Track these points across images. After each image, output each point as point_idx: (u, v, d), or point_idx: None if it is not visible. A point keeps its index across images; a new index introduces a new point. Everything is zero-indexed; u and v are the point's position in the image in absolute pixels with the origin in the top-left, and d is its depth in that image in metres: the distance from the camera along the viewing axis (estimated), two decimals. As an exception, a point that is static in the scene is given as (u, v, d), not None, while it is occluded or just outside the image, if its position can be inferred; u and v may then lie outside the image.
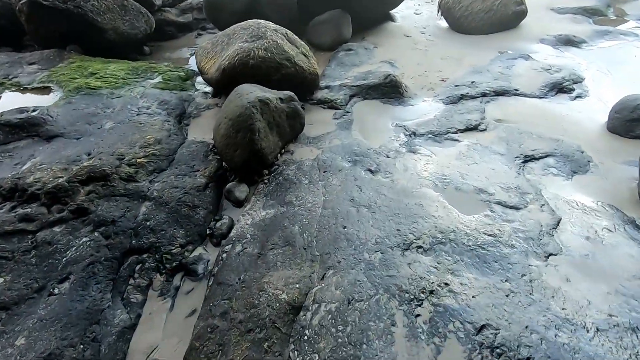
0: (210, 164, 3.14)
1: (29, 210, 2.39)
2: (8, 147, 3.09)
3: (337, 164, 3.09)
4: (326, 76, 4.65)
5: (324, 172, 3.00)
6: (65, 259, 2.21)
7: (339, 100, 4.04)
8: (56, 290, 2.07)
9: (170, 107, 3.87)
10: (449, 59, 5.24)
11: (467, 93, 4.13)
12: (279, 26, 3.99)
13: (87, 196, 2.52)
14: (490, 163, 3.02)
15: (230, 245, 2.42)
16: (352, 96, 4.16)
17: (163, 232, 2.51)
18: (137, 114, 3.65)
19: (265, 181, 3.04)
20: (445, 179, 2.85)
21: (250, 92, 3.17)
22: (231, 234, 2.55)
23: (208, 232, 2.67)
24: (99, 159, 2.78)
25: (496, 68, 4.71)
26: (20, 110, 3.38)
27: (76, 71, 4.36)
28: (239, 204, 2.94)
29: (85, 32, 4.94)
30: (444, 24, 6.58)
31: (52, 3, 4.66)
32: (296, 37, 4.08)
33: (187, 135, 3.63)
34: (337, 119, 3.85)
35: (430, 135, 3.48)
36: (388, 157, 3.18)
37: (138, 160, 2.86)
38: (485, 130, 3.52)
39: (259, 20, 3.98)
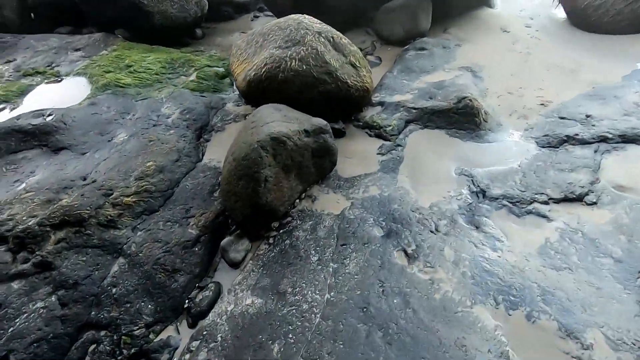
0: (211, 206, 2.60)
1: (-5, 255, 2.11)
2: (17, 157, 2.90)
3: (365, 232, 2.32)
4: (383, 86, 3.72)
5: (343, 245, 2.26)
6: (11, 329, 1.89)
7: (389, 128, 3.15)
8: (-11, 374, 1.76)
9: (192, 118, 3.38)
10: (558, 70, 3.87)
11: (577, 134, 2.91)
12: (324, 26, 3.15)
13: (55, 245, 2.16)
14: (596, 275, 1.98)
15: (197, 344, 1.89)
16: (408, 122, 3.23)
17: (129, 304, 2.06)
18: (154, 125, 3.22)
19: (270, 241, 2.41)
20: (514, 292, 1.92)
21: (268, 121, 2.48)
22: (206, 322, 2.01)
23: (186, 306, 2.17)
24: (82, 195, 2.39)
25: (630, 94, 3.29)
26: (37, 114, 3.17)
27: (112, 62, 4.08)
28: (235, 265, 2.38)
29: (133, 16, 4.62)
30: (560, 14, 4.97)
31: (99, -16, 4.37)
32: (346, 41, 3.20)
33: (202, 155, 3.13)
34: (382, 154, 3.00)
35: (506, 202, 2.47)
36: (436, 231, 2.31)
37: (125, 199, 2.42)
38: (595, 204, 2.39)
39: (301, 18, 3.17)
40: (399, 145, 3.05)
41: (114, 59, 4.15)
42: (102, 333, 1.98)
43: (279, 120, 2.53)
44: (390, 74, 3.95)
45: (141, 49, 4.48)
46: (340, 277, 2.06)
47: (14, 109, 3.64)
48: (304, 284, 2.04)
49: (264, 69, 2.92)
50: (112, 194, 2.45)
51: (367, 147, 3.10)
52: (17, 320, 1.92)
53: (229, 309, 2.02)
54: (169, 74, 4.04)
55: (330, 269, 2.11)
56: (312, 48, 2.93)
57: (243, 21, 5.86)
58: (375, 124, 3.22)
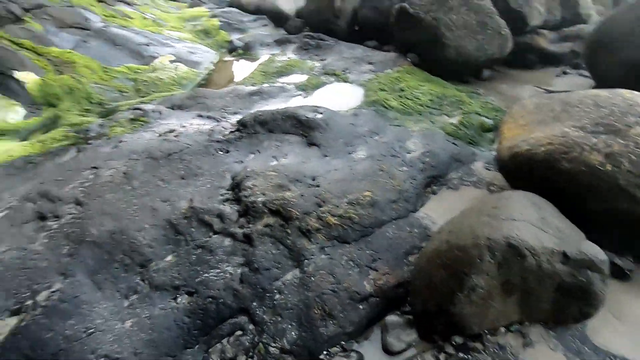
0: (398, 270, 2.27)
1: (230, 209, 2.59)
2: (284, 138, 3.49)
3: None
4: None
5: None
6: (204, 275, 2.25)
7: None
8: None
9: (432, 164, 3.09)
10: None
11: None
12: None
13: (263, 227, 2.42)
14: None
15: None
16: None
17: (280, 318, 2.07)
18: (392, 155, 3.15)
19: (441, 356, 1.87)
20: None
21: (514, 217, 1.87)
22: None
23: (321, 357, 1.99)
24: (302, 195, 2.58)
25: None
26: (313, 108, 3.69)
27: (390, 82, 4.30)
28: (389, 352, 2.00)
29: (429, 45, 4.70)
30: None
31: (415, 12, 4.64)
32: None
33: (418, 207, 2.81)
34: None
35: None
36: None
37: (329, 218, 2.44)
38: None
39: (636, 98, 2.21)
40: None
41: (393, 79, 4.36)
42: (251, 327, 2.08)
43: (532, 223, 1.86)
44: None
45: (420, 76, 4.52)
46: None
47: (305, 97, 4.45)
48: None
49: (544, 148, 2.23)
50: (322, 207, 2.53)
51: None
52: (211, 271, 2.28)
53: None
54: (433, 109, 3.87)
55: None
56: (637, 146, 1.98)
57: (545, 74, 4.96)
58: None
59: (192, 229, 2.53)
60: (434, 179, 3.02)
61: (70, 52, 5.17)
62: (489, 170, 3.10)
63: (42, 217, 2.70)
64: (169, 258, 2.39)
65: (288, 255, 2.31)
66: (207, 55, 6.46)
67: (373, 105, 3.90)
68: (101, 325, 2.05)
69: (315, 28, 6.64)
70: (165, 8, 9.34)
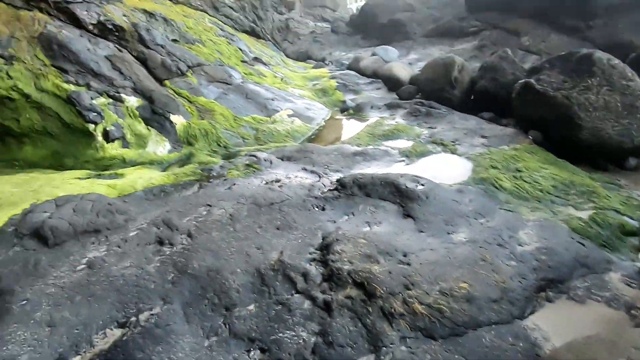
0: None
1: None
2: (380, 204, 3.44)
3: None
4: None
5: None
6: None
7: None
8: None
9: (548, 264, 2.63)
10: None
11: None
12: None
13: (343, 298, 2.34)
14: None
15: None
16: None
17: (345, 407, 1.90)
18: (499, 244, 2.81)
19: None
20: None
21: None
22: None
23: None
24: (390, 272, 2.44)
25: None
26: (415, 179, 3.59)
27: (504, 160, 3.96)
28: None
29: (558, 123, 4.25)
30: None
31: (543, 89, 4.30)
32: None
33: (526, 313, 2.37)
34: None
35: None
36: None
37: (415, 304, 2.23)
38: None
39: None
40: None
41: (508, 158, 4.01)
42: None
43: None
44: None
45: (543, 158, 4.06)
46: None
47: (408, 164, 4.39)
48: None
49: None
50: (410, 290, 2.34)
51: None
52: (287, 332, 2.26)
53: None
54: (557, 197, 3.39)
55: None
56: None
57: None
58: None
59: (277, 283, 2.60)
60: (551, 283, 2.55)
61: (212, 102, 6.21)
62: (631, 287, 2.49)
63: (161, 242, 3.12)
64: (251, 307, 2.48)
65: (366, 337, 2.16)
66: (321, 112, 7.03)
67: (482, 183, 3.62)
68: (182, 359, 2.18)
69: (428, 95, 6.68)
70: (294, 68, 10.67)
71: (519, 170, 3.76)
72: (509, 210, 3.21)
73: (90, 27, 6.17)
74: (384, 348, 2.08)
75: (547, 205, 3.28)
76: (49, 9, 5.99)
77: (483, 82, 6.00)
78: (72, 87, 5.46)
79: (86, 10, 6.18)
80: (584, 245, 2.81)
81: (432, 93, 6.60)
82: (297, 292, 2.52)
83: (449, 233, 2.98)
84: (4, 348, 2.20)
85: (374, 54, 10.54)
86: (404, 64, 9.29)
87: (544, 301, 2.47)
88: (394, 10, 14.70)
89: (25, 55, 5.51)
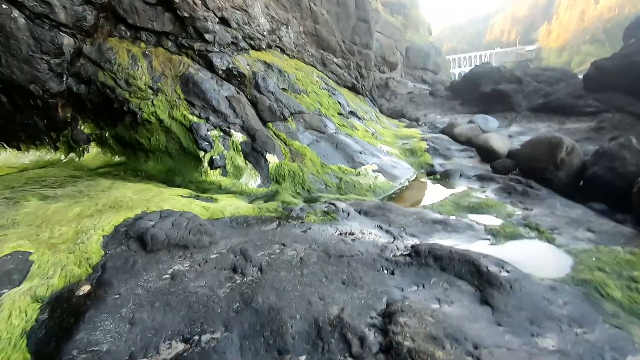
0: None
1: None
2: (455, 282, 3.20)
3: None
4: None
5: None
6: (325, 397, 2.16)
7: None
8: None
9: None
10: None
11: None
12: None
13: (399, 378, 2.18)
14: None
15: None
16: None
17: None
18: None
19: None
20: None
21: None
22: None
23: None
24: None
25: None
26: (499, 263, 3.28)
27: (615, 263, 3.40)
28: None
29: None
30: None
31: (676, 189, 3.67)
32: None
33: None
34: None
35: None
36: None
37: (481, 411, 1.95)
38: None
39: None
40: None
41: (621, 261, 3.42)
42: None
43: None
44: None
45: (670, 271, 3.37)
46: None
47: (493, 244, 4.05)
48: None
49: None
50: (477, 391, 2.07)
51: None
52: (333, 397, 2.16)
53: None
54: (685, 324, 2.74)
55: None
56: None
57: None
58: None
59: (333, 340, 2.54)
60: None
61: (305, 147, 6.68)
62: None
63: (234, 270, 3.35)
64: (303, 358, 2.45)
65: None
66: (406, 172, 7.01)
67: (582, 285, 3.13)
68: (227, 392, 2.23)
69: (526, 173, 6.20)
70: (386, 125, 10.97)
71: (635, 280, 3.17)
72: (615, 327, 2.69)
73: (220, 72, 7.33)
74: None
75: (671, 333, 2.66)
76: (193, 55, 7.33)
77: (596, 169, 5.36)
78: (195, 119, 6.45)
79: (220, 59, 7.39)
80: None
81: (531, 171, 6.10)
82: (351, 355, 2.42)
83: (533, 335, 2.60)
84: (92, 333, 2.53)
85: (471, 122, 10.32)
86: (503, 135, 8.85)
87: None
88: (499, 81, 14.32)
89: (168, 89, 6.74)
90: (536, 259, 3.64)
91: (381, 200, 5.45)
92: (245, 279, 3.21)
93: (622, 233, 4.06)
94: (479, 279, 3.16)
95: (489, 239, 4.12)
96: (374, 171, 6.58)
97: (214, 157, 6.07)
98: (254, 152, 6.28)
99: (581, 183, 5.69)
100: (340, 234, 4.05)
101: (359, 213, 4.78)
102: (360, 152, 7.26)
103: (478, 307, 2.90)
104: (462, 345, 2.44)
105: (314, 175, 6.10)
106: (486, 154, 7.70)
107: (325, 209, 4.76)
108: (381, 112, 13.96)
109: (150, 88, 6.65)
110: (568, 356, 2.39)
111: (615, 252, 3.64)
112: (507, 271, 3.18)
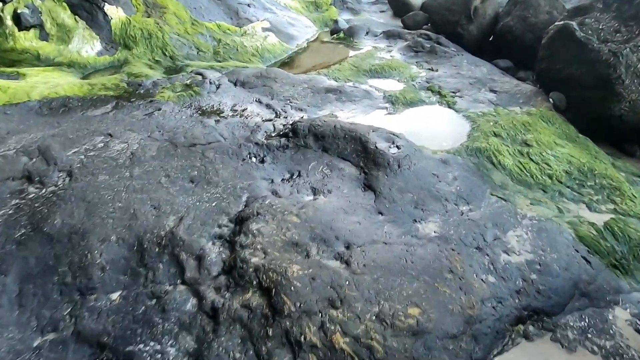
0: None
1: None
2: (337, 165, 2.60)
3: None
4: None
5: None
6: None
7: None
8: None
9: (537, 288, 1.92)
10: None
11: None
12: None
13: (240, 306, 1.62)
14: None
15: None
16: None
17: None
18: (476, 247, 2.05)
19: None
20: None
21: None
22: None
23: None
24: (313, 278, 1.69)
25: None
26: (390, 137, 2.69)
27: (512, 127, 3.07)
28: None
29: (591, 89, 3.25)
30: None
31: (585, 37, 3.22)
32: None
33: (492, 355, 1.71)
34: None
35: None
36: None
37: (335, 336, 1.52)
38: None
39: None
40: None
41: (518, 124, 3.08)
42: None
43: None
44: None
45: (561, 131, 3.16)
46: None
47: (391, 113, 3.45)
48: None
49: None
50: (335, 309, 1.62)
51: None
52: (149, 344, 1.57)
53: None
54: (568, 187, 2.57)
55: None
56: None
57: None
58: None
59: (160, 265, 1.85)
60: (534, 315, 1.85)
61: (166, -5, 4.85)
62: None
63: (29, 179, 2.29)
64: (115, 297, 1.75)
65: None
66: (306, 31, 5.74)
67: (476, 154, 2.75)
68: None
69: (438, 28, 5.41)
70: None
71: (528, 144, 2.88)
72: (502, 199, 2.41)
73: None
74: (274, 398, 1.41)
75: (554, 198, 2.48)
76: None
77: (508, 20, 4.75)
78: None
79: None
80: (590, 264, 2.08)
81: (443, 26, 5.32)
82: (184, 282, 1.78)
83: (415, 221, 2.19)
84: None
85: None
86: (420, -15, 7.63)
87: (519, 337, 1.79)
88: None
89: None
90: (433, 127, 3.16)
91: (268, 67, 4.35)
92: (43, 190, 2.20)
93: (522, 92, 3.71)
94: (365, 158, 2.58)
95: (386, 108, 3.49)
96: (264, 30, 5.21)
97: (20, 11, 4.08)
98: (86, 3, 4.37)
99: (491, 38, 5.14)
100: (201, 114, 3.05)
101: (235, 84, 3.70)
102: (249, 5, 5.65)
103: (359, 193, 2.37)
104: (330, 247, 1.93)
105: (181, 37, 4.57)
106: (399, 6, 6.60)
107: (188, 81, 3.57)
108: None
109: None
110: (449, 242, 2.05)
111: (513, 114, 3.29)
112: (398, 147, 2.62)
